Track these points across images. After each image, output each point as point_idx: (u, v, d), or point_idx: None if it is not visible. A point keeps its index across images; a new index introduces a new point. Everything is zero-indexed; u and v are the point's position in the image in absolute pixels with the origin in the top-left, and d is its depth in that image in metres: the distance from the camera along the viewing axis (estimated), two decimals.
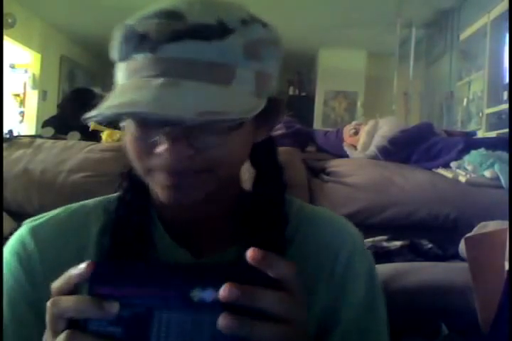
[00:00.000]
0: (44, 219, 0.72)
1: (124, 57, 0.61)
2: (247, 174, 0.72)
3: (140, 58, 0.59)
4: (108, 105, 0.56)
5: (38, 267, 0.69)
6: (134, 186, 0.70)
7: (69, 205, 0.75)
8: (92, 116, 0.55)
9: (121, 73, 0.62)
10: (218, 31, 0.58)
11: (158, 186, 0.63)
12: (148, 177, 0.63)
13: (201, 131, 0.58)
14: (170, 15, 0.59)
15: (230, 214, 0.72)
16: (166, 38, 0.58)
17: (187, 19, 0.58)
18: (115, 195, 0.74)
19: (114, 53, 0.62)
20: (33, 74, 6.24)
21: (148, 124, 0.59)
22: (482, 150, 1.98)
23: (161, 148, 0.58)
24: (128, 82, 0.60)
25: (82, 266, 0.49)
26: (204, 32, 0.58)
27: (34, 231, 0.71)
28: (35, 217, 0.73)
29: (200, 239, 0.71)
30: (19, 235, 0.72)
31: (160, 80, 0.57)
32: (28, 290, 0.68)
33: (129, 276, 0.48)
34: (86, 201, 0.75)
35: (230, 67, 0.59)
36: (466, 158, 1.99)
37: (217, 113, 0.55)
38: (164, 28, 0.58)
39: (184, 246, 0.70)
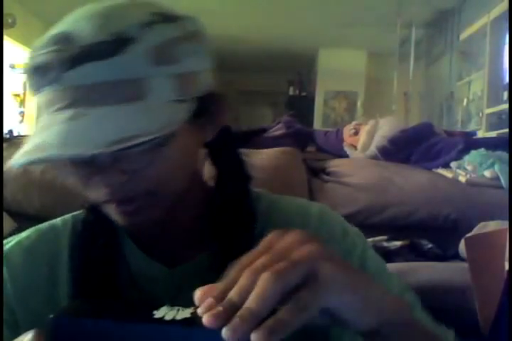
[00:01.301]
0: (14, 242, 0.70)
1: (34, 91, 0.57)
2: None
3: (46, 91, 0.55)
4: (22, 151, 0.53)
5: (11, 294, 0.66)
6: (96, 205, 0.66)
7: (38, 226, 0.72)
8: (12, 164, 0.52)
9: (37, 108, 0.58)
10: (114, 46, 0.54)
11: (112, 214, 0.61)
12: (102, 206, 0.62)
13: (129, 154, 0.55)
14: (63, 39, 0.55)
15: (197, 216, 0.68)
16: (64, 66, 0.53)
17: (80, 41, 0.54)
18: (82, 211, 0.72)
19: (28, 86, 0.59)
20: None
21: (71, 160, 0.56)
22: (482, 150, 1.98)
23: (93, 180, 0.56)
24: (40, 119, 0.57)
25: (30, 336, 0.42)
26: (100, 51, 0.53)
27: (5, 257, 0.68)
28: (6, 241, 0.70)
29: (172, 247, 0.69)
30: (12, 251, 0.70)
31: (66, 114, 0.53)
32: (6, 316, 0.65)
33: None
34: (54, 220, 0.73)
35: (140, 81, 0.54)
36: (466, 158, 1.99)
37: (130, 138, 0.51)
38: (60, 56, 0.54)
39: (156, 257, 0.68)
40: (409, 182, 1.95)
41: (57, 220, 0.73)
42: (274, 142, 2.23)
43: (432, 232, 1.81)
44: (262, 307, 0.40)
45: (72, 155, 0.52)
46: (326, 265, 0.42)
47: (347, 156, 2.23)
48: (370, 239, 1.69)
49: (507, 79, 3.92)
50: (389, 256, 1.60)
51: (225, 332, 0.39)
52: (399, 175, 1.99)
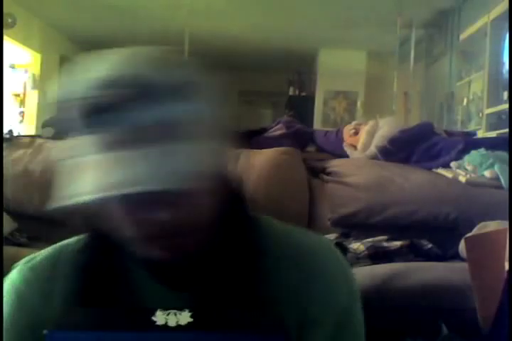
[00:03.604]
0: (37, 259, 0.73)
1: (86, 131, 0.59)
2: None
3: (108, 130, 0.57)
4: (93, 189, 0.56)
5: (36, 299, 0.69)
6: (103, 237, 0.68)
7: (58, 244, 0.75)
8: (87, 201, 0.55)
9: (90, 146, 0.59)
10: (170, 92, 0.58)
11: (151, 249, 0.63)
12: (139, 242, 0.63)
13: (182, 191, 0.58)
14: (129, 82, 0.58)
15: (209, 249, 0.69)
16: (128, 107, 0.57)
17: (146, 85, 0.58)
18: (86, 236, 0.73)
19: (74, 126, 0.59)
20: (33, 74, 6.23)
21: (132, 199, 0.58)
22: (482, 150, 1.98)
23: (151, 216, 0.59)
24: (103, 156, 0.58)
25: None
26: (159, 95, 0.57)
27: (25, 271, 0.72)
28: (30, 257, 0.74)
29: (181, 273, 0.69)
30: (13, 273, 0.72)
31: (136, 152, 0.56)
32: (19, 323, 0.68)
33: None
34: (69, 240, 0.75)
35: (190, 123, 0.59)
36: (466, 158, 1.99)
37: (199, 174, 0.57)
38: (127, 97, 0.57)
39: (165, 282, 0.68)
40: (409, 182, 1.95)
41: (72, 239, 0.75)
42: (274, 142, 2.23)
43: (432, 232, 1.81)
44: None
45: (164, 189, 0.55)
46: None
47: (347, 156, 2.23)
48: (370, 239, 1.69)
49: (507, 79, 3.92)
50: (389, 256, 1.60)
51: None
52: (399, 175, 1.99)
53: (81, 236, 0.74)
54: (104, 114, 0.57)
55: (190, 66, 0.63)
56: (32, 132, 5.42)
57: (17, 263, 0.74)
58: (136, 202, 0.59)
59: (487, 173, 1.91)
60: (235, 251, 0.68)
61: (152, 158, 0.56)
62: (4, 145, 2.20)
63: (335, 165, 2.11)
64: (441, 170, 2.02)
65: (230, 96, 0.68)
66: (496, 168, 1.90)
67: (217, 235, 0.68)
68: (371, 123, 2.23)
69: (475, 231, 1.54)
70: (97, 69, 0.60)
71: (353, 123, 2.36)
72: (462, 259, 1.53)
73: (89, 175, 0.57)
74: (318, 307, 0.69)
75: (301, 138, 2.35)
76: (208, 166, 0.59)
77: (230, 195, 0.70)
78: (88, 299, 0.65)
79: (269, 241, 0.71)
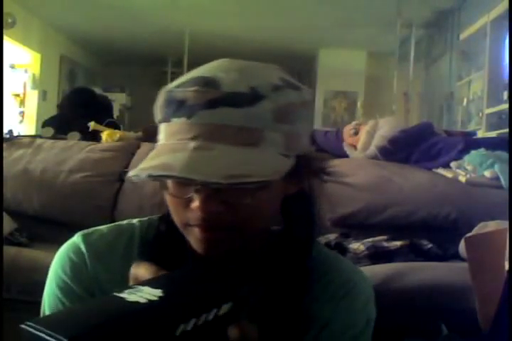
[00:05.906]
0: (98, 233, 0.77)
1: (163, 120, 0.66)
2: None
3: (177, 122, 0.64)
4: (144, 167, 0.61)
5: (89, 270, 0.74)
6: (170, 231, 0.73)
7: (119, 223, 0.80)
8: (132, 176, 0.60)
9: (161, 134, 0.67)
10: (249, 98, 0.63)
11: (193, 239, 0.67)
12: (184, 230, 0.68)
13: (231, 190, 0.61)
14: (207, 83, 0.63)
15: (256, 251, 0.74)
16: (201, 105, 0.62)
17: (222, 87, 0.63)
18: (157, 217, 0.78)
19: (157, 115, 0.67)
20: (33, 74, 6.23)
21: (183, 182, 0.63)
22: (482, 150, 1.98)
23: (194, 204, 0.63)
24: (165, 143, 0.65)
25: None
26: (236, 99, 0.62)
27: (88, 240, 0.76)
28: (89, 230, 0.78)
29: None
30: (72, 241, 0.76)
31: (193, 143, 0.61)
32: (75, 290, 0.73)
33: None
34: (133, 220, 0.80)
35: (258, 131, 0.63)
36: (466, 158, 1.99)
37: (243, 176, 0.59)
38: (200, 96, 0.62)
39: None
40: (409, 182, 1.95)
41: (135, 220, 0.81)
42: None
43: (432, 232, 1.81)
44: None
45: (194, 179, 0.59)
46: None
47: (347, 156, 2.23)
48: (370, 239, 1.69)
49: (507, 79, 3.92)
50: (389, 256, 1.60)
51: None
52: (399, 175, 1.99)
53: (142, 219, 0.80)
54: (174, 107, 0.64)
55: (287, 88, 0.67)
56: (32, 132, 5.41)
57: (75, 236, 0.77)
58: (179, 185, 0.63)
59: (487, 173, 1.91)
60: (286, 270, 0.72)
61: (197, 151, 0.61)
62: (4, 145, 2.20)
63: (335, 165, 2.11)
64: (441, 170, 2.02)
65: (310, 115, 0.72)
66: (496, 168, 1.90)
67: (269, 247, 0.72)
68: (371, 123, 2.23)
69: (475, 231, 1.54)
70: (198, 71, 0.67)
71: (353, 123, 2.36)
72: (462, 259, 1.53)
73: (147, 157, 0.63)
74: (340, 326, 0.74)
75: None
76: (261, 172, 0.61)
77: (296, 215, 0.73)
78: None
79: (319, 266, 0.76)
